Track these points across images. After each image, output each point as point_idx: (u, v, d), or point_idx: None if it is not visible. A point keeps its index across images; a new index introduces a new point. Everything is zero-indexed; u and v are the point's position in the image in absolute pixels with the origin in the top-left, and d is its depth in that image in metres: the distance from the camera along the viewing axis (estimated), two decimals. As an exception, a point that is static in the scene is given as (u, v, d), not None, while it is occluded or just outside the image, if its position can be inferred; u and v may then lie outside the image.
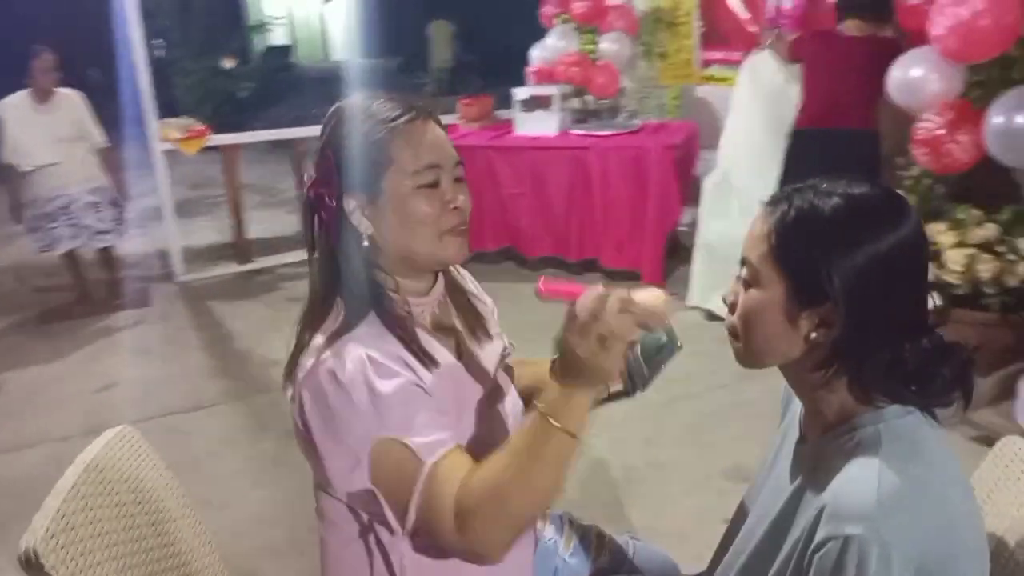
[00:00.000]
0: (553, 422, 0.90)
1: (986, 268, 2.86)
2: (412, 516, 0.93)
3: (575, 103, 4.94)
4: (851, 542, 0.84)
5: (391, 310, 1.02)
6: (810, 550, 0.89)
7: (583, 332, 0.88)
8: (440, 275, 1.13)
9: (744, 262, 0.96)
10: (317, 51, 17.46)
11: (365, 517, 1.05)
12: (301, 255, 5.34)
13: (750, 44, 4.56)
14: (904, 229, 0.89)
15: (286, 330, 1.06)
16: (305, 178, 1.07)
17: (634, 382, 1.08)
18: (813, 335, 0.92)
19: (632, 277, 4.22)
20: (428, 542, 0.98)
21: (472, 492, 0.90)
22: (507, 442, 0.95)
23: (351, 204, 1.03)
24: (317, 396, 0.97)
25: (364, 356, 0.96)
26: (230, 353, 3.83)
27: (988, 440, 2.53)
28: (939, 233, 2.98)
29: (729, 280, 1.00)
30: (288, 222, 5.91)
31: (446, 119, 1.11)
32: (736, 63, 4.72)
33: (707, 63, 5.00)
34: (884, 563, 0.83)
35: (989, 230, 2.90)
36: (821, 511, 0.88)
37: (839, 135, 3.20)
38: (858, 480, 0.87)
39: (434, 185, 1.02)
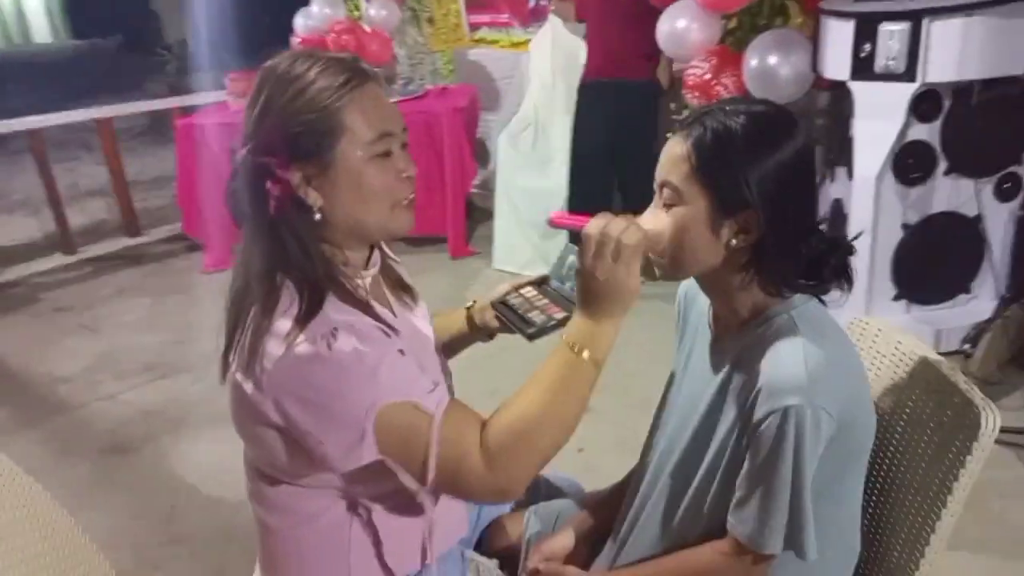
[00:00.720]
0: (584, 354, 0.95)
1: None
2: (432, 471, 0.92)
3: (350, 72, 4.82)
4: (789, 412, 0.96)
5: (347, 286, 0.99)
6: (748, 430, 1.01)
7: (597, 253, 0.95)
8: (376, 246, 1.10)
9: (664, 185, 1.04)
10: (12, 33, 15.23)
11: (353, 492, 1.01)
12: (57, 261, 4.95)
13: (518, 6, 4.76)
14: (800, 138, 1.01)
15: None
16: (238, 146, 0.98)
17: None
18: (733, 242, 1.02)
19: (439, 241, 4.27)
20: (451, 492, 0.98)
21: (502, 430, 0.93)
22: (533, 377, 0.97)
23: (297, 176, 0.96)
24: (300, 381, 0.91)
25: (346, 328, 0.92)
26: (4, 377, 3.34)
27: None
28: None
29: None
30: (28, 226, 5.22)
31: (206, 97, 1.04)
32: (503, 25, 4.90)
33: (475, 26, 5.12)
34: (815, 425, 0.96)
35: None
36: (757, 393, 0.99)
37: (621, 85, 3.45)
38: (787, 358, 0.99)
39: (387, 155, 0.99)
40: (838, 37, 2.58)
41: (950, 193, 2.55)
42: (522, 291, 1.24)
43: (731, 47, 3.09)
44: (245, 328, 0.95)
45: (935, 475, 1.09)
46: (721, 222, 1.01)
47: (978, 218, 2.59)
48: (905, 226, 2.59)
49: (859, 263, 1.06)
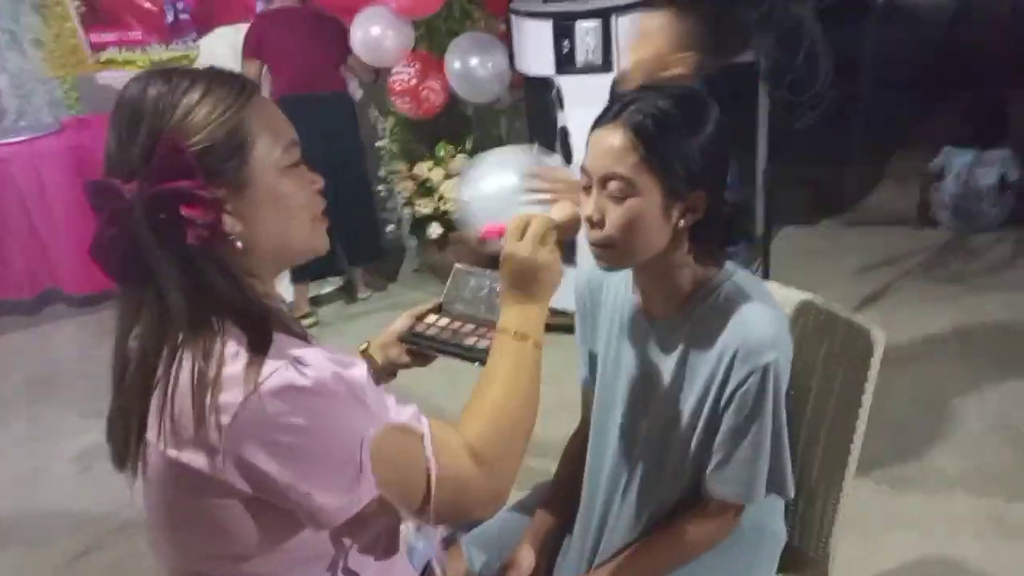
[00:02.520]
0: (527, 340, 0.96)
1: (471, 191, 3.40)
2: (435, 493, 0.85)
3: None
4: (769, 368, 1.05)
5: (283, 320, 0.86)
6: (727, 393, 1.08)
7: (519, 235, 0.98)
8: None
9: (610, 178, 1.04)
10: None
11: (342, 545, 0.89)
12: None
13: (151, 21, 4.27)
14: (716, 109, 1.09)
15: None
16: (112, 185, 0.78)
17: None
18: (681, 223, 1.07)
19: (109, 298, 3.69)
20: (453, 512, 0.91)
21: (482, 434, 0.90)
22: (485, 376, 0.95)
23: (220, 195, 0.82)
24: (274, 424, 0.76)
25: (317, 353, 0.80)
26: None
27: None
28: (428, 171, 3.40)
29: None
30: None
31: None
32: (137, 43, 4.36)
33: (98, 46, 4.47)
34: (784, 373, 1.07)
35: (461, 160, 3.43)
36: (733, 357, 1.07)
37: (315, 99, 3.31)
38: (754, 320, 1.08)
39: (297, 165, 0.88)
40: (537, 36, 2.79)
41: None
42: (427, 319, 1.18)
43: (433, 52, 3.16)
44: (168, 394, 0.78)
45: (841, 401, 1.27)
46: (672, 206, 1.06)
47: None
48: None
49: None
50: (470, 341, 1.12)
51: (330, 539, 0.87)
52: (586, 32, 2.68)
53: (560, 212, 1.06)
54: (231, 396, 0.76)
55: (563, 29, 2.71)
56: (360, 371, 0.82)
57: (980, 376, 2.60)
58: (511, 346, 0.96)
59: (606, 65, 2.70)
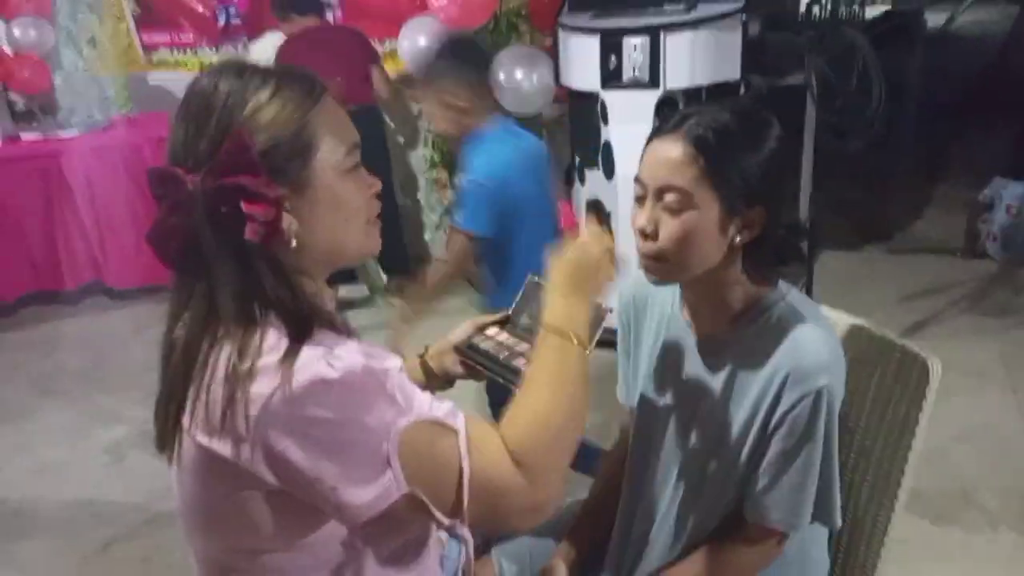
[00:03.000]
0: (572, 338, 0.92)
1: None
2: (467, 495, 0.82)
3: (-6, 105, 4.02)
4: (822, 392, 1.02)
5: (330, 318, 0.87)
6: (777, 415, 1.05)
7: (595, 240, 1.01)
8: None
9: (667, 190, 1.03)
10: None
11: (362, 550, 0.88)
12: None
13: (204, 24, 4.35)
14: (777, 126, 1.07)
15: None
16: (176, 177, 0.79)
17: None
18: (737, 239, 1.05)
19: (149, 292, 3.74)
20: (489, 517, 0.87)
21: (525, 437, 0.85)
22: (531, 377, 0.92)
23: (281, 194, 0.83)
24: (303, 415, 0.76)
25: (352, 347, 0.81)
26: None
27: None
28: (468, 180, 3.41)
29: None
30: None
31: None
32: (188, 46, 4.44)
33: (151, 47, 4.57)
34: (837, 399, 1.04)
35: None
36: (784, 380, 1.04)
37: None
38: (808, 343, 1.05)
39: (357, 168, 0.89)
40: (584, 51, 2.79)
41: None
42: (487, 332, 1.17)
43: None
44: (205, 382, 0.79)
45: (893, 429, 1.23)
46: (729, 221, 1.04)
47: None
48: (662, 217, 2.90)
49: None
50: (516, 362, 1.09)
51: (351, 543, 0.86)
52: (633, 48, 2.67)
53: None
54: (262, 387, 0.76)
55: (610, 44, 2.70)
56: (392, 364, 0.82)
57: (1027, 412, 2.53)
58: (556, 345, 0.93)
59: (653, 82, 2.69)
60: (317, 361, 0.77)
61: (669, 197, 1.03)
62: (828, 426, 1.05)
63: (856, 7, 2.65)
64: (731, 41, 2.73)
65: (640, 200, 1.08)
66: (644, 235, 1.06)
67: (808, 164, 3.36)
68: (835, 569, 1.28)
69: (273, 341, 0.79)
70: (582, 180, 3.12)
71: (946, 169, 4.62)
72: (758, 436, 1.09)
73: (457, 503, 0.82)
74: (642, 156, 1.08)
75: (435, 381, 1.17)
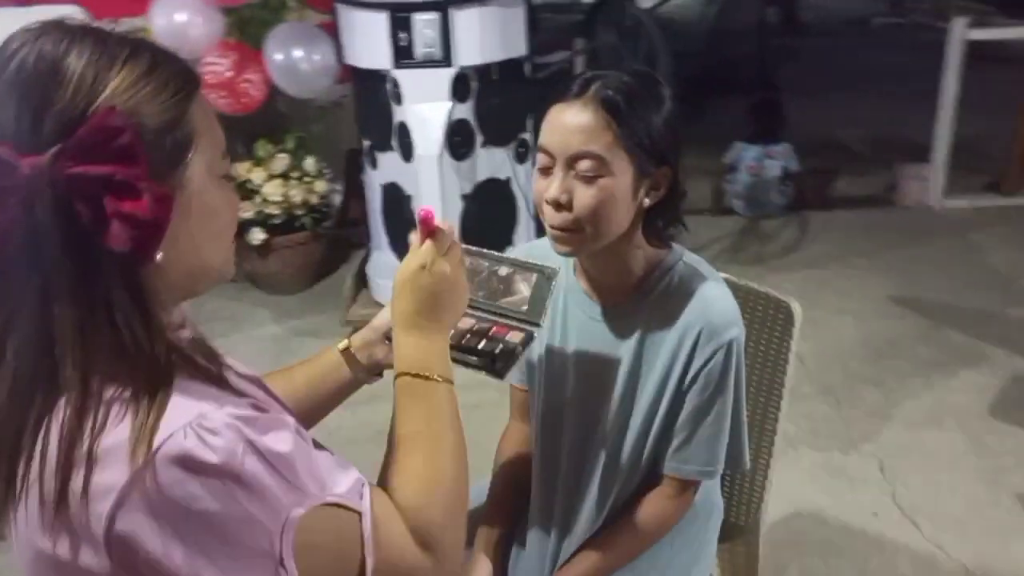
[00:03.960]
0: (435, 377, 0.83)
1: (297, 192, 3.18)
2: None
3: None
4: (733, 344, 1.08)
5: (190, 357, 0.69)
6: (692, 372, 1.09)
7: (430, 256, 0.86)
8: None
9: (582, 157, 1.00)
10: None
11: None
12: None
13: None
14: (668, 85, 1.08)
15: None
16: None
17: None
18: (646, 201, 1.06)
19: None
20: None
21: (419, 508, 0.76)
22: (399, 430, 0.81)
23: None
24: (170, 512, 0.62)
25: (226, 418, 0.64)
26: None
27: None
28: (248, 172, 3.13)
29: None
30: None
31: None
32: None
33: None
34: (742, 349, 1.10)
35: (282, 160, 3.20)
36: (697, 337, 1.07)
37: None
38: (714, 299, 1.09)
39: (229, 176, 0.76)
40: (371, 28, 2.67)
41: (488, 162, 2.93)
42: None
43: (246, 41, 2.91)
44: (34, 465, 0.63)
45: (765, 374, 1.33)
46: (640, 184, 1.04)
47: (508, 180, 3.03)
48: (463, 196, 2.89)
49: None
50: (472, 342, 1.00)
51: None
52: (425, 24, 2.61)
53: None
54: (113, 475, 0.61)
55: (400, 21, 2.61)
56: (283, 434, 0.67)
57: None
58: (424, 392, 0.82)
59: (446, 60, 2.65)
60: (185, 435, 0.62)
61: (584, 165, 1.01)
62: (737, 375, 1.10)
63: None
64: (516, 17, 2.77)
65: (546, 170, 1.04)
66: (558, 206, 1.03)
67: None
68: (728, 509, 1.36)
69: (117, 406, 0.62)
70: (374, 164, 3.01)
71: (689, 138, 5.11)
72: (673, 394, 1.11)
73: None
74: (543, 125, 1.05)
75: (363, 373, 1.04)
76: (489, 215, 2.98)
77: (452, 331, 0.94)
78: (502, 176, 2.99)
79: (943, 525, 2.04)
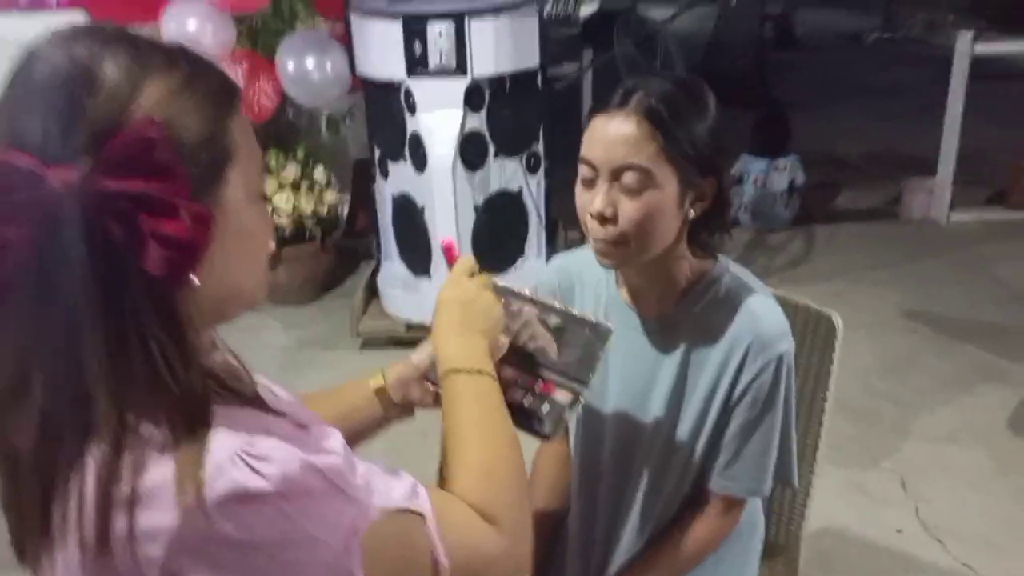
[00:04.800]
0: (478, 372, 0.83)
1: (307, 203, 3.15)
2: None
3: None
4: (783, 358, 1.05)
5: (225, 382, 0.66)
6: (740, 387, 1.06)
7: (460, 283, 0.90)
8: None
9: (626, 169, 0.97)
10: None
11: None
12: None
13: None
14: (710, 90, 1.05)
15: None
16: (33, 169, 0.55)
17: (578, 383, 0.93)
18: (691, 213, 1.03)
19: None
20: None
21: (480, 493, 0.74)
22: (451, 428, 0.80)
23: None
24: (228, 548, 0.58)
25: (272, 441, 0.61)
26: None
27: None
28: (257, 181, 3.10)
29: None
30: None
31: None
32: None
33: None
34: (792, 363, 1.07)
35: (292, 170, 3.18)
36: (746, 350, 1.05)
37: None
38: (764, 311, 1.06)
39: (265, 196, 0.74)
40: (384, 38, 2.65)
41: (500, 173, 2.90)
42: None
43: (258, 51, 2.89)
44: (68, 508, 0.58)
45: (807, 388, 1.30)
46: (685, 195, 1.01)
47: (520, 192, 3.00)
48: (475, 207, 2.86)
49: None
50: (515, 397, 0.92)
51: None
52: (439, 34, 2.59)
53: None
54: (161, 517, 0.56)
55: (414, 31, 2.60)
56: (335, 447, 0.66)
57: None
58: (469, 384, 0.82)
59: (460, 69, 2.63)
60: (234, 467, 0.58)
61: (628, 177, 0.98)
62: (787, 390, 1.07)
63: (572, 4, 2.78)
64: (530, 28, 2.75)
65: (589, 183, 1.01)
66: (602, 219, 1.00)
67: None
68: (768, 527, 1.33)
69: (156, 444, 0.58)
70: (385, 174, 2.98)
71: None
72: (720, 409, 1.08)
73: None
74: (585, 136, 1.02)
75: (394, 413, 1.00)
76: (501, 226, 2.95)
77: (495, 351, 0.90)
78: (514, 188, 2.97)
79: (969, 543, 2.01)
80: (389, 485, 0.68)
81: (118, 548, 0.56)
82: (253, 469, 0.58)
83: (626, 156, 0.97)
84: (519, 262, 3.11)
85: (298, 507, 0.60)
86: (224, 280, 0.65)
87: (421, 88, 2.68)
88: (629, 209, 0.98)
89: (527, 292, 0.98)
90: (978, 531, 2.05)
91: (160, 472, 0.57)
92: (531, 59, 2.80)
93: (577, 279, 1.21)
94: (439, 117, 2.69)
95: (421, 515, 0.68)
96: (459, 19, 2.58)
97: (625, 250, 1.01)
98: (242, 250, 0.66)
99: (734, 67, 5.90)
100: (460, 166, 2.76)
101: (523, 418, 0.89)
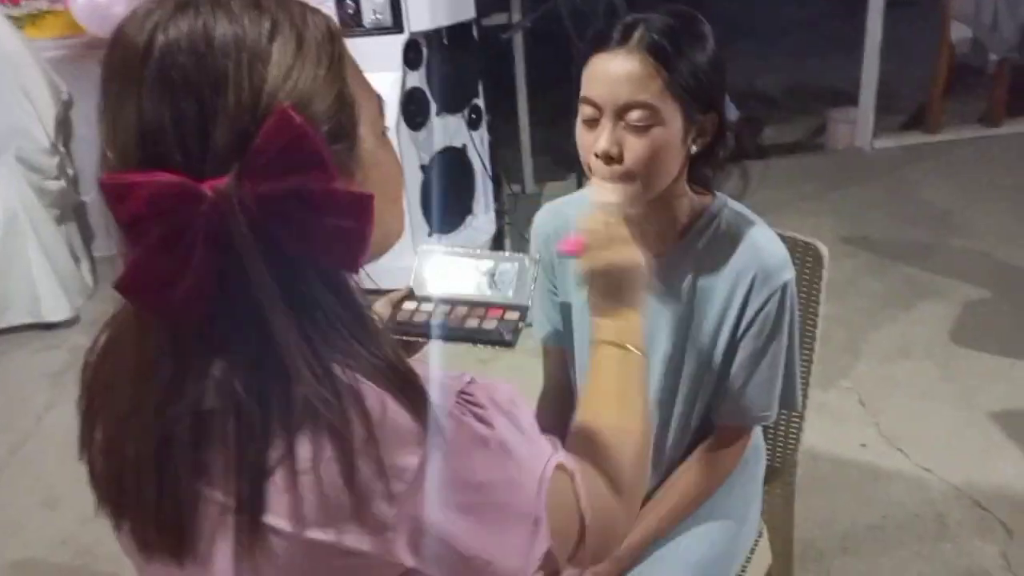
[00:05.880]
0: (632, 348, 0.85)
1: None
2: (588, 536, 0.72)
3: None
4: (787, 286, 1.08)
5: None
6: (747, 318, 1.08)
7: (606, 243, 0.88)
8: None
9: (633, 107, 0.96)
10: None
11: None
12: None
13: None
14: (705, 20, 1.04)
15: None
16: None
17: None
18: (693, 148, 1.04)
19: None
20: (601, 553, 0.77)
21: (613, 464, 0.77)
22: (595, 393, 0.83)
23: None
24: (464, 483, 0.61)
25: (479, 389, 0.65)
26: None
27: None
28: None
29: None
30: None
31: None
32: None
33: None
34: (795, 290, 1.10)
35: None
36: (752, 281, 1.07)
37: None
38: (766, 242, 1.08)
39: (386, 129, 0.68)
40: (313, -4, 2.54)
41: (443, 130, 2.85)
42: (406, 306, 1.03)
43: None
44: (298, 469, 0.58)
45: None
46: (688, 131, 1.02)
47: (464, 148, 2.96)
48: (422, 167, 2.81)
49: None
50: (473, 323, 0.99)
51: None
52: (372, -10, 2.50)
53: (611, 196, 0.96)
54: (403, 457, 0.58)
55: (346, -13, 2.51)
56: (514, 391, 0.69)
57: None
58: (620, 358, 0.84)
59: (397, 26, 2.56)
60: (463, 412, 0.62)
61: (634, 115, 0.97)
62: (792, 317, 1.10)
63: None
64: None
65: (592, 122, 1.00)
66: (608, 158, 0.99)
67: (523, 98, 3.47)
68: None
69: (375, 397, 0.58)
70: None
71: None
72: (728, 341, 1.10)
73: (576, 548, 0.73)
74: (584, 76, 1.01)
75: None
76: (447, 184, 2.92)
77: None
78: (458, 144, 2.93)
79: (927, 450, 2.13)
80: (543, 438, 0.71)
81: (366, 487, 0.56)
82: (476, 416, 0.62)
83: (631, 93, 0.97)
84: (468, 220, 3.08)
85: (504, 452, 0.63)
86: (375, 231, 0.61)
87: (357, 47, 2.57)
88: (636, 146, 0.98)
89: (457, 249, 1.07)
90: (934, 437, 2.18)
91: (395, 419, 0.58)
92: (466, 11, 2.75)
93: (573, 222, 1.20)
94: (377, 77, 2.61)
95: (572, 474, 0.71)
96: (391, -28, 2.50)
97: (631, 188, 1.01)
98: (383, 195, 0.62)
99: (648, 4, 5.91)
100: (403, 126, 2.70)
101: (485, 335, 0.97)
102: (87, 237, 3.37)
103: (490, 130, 3.02)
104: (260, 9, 0.57)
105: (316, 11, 0.61)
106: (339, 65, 0.59)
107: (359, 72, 0.63)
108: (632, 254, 0.88)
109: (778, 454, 1.39)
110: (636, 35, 0.97)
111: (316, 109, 0.56)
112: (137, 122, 0.54)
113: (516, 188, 3.67)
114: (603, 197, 0.95)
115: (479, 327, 0.98)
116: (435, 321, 0.99)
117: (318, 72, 0.57)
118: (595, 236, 0.88)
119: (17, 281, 2.97)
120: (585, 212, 1.07)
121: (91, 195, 3.13)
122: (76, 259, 3.23)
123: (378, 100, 0.66)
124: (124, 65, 0.55)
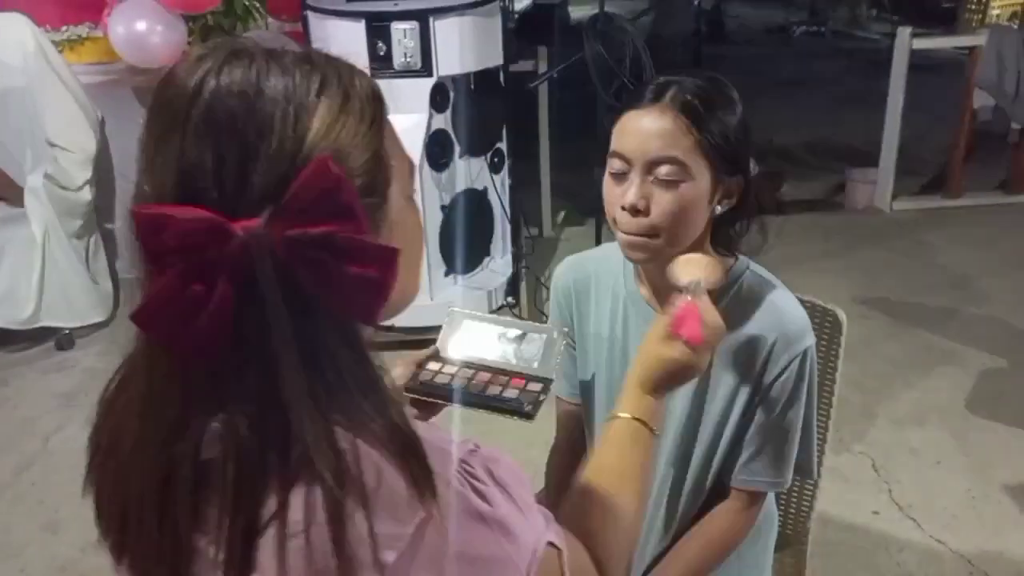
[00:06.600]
0: (651, 428, 0.88)
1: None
2: None
3: None
4: (807, 353, 1.07)
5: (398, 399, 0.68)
6: (766, 383, 1.08)
7: (716, 343, 0.92)
8: None
9: (662, 163, 0.98)
10: None
11: None
12: None
13: None
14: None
15: None
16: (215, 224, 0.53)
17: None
18: (718, 209, 1.05)
19: None
20: None
21: (607, 542, 0.78)
22: (606, 465, 0.84)
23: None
24: (453, 557, 0.60)
25: (479, 460, 0.65)
26: None
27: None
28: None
29: None
30: None
31: None
32: None
33: None
34: (815, 356, 1.10)
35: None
36: (772, 347, 1.06)
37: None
38: (786, 307, 1.08)
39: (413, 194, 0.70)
40: (346, 37, 2.59)
41: (465, 172, 2.88)
42: (429, 367, 1.03)
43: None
44: (286, 533, 0.57)
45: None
46: (715, 191, 1.03)
47: (485, 190, 2.99)
48: (442, 207, 2.83)
49: None
50: (494, 390, 0.99)
51: None
52: (403, 34, 2.55)
53: (698, 272, 0.96)
54: (396, 526, 0.57)
55: (378, 30, 2.55)
56: (523, 474, 0.68)
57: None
58: (637, 436, 0.87)
59: (426, 70, 2.60)
60: (461, 484, 0.61)
61: (664, 170, 0.99)
62: (811, 384, 1.10)
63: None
64: (493, 26, 2.74)
65: (620, 176, 1.02)
66: (635, 211, 1.01)
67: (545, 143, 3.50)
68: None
69: (372, 459, 0.58)
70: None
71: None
72: (744, 406, 1.10)
73: None
74: (615, 131, 1.03)
75: None
76: (467, 225, 2.94)
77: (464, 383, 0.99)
78: (479, 186, 2.96)
79: (939, 520, 2.10)
80: (540, 513, 0.70)
81: (354, 557, 0.55)
82: (474, 488, 0.62)
83: (662, 149, 0.98)
84: (485, 261, 3.10)
85: (501, 527, 0.62)
86: (398, 288, 0.62)
87: (385, 88, 2.63)
88: (663, 201, 0.99)
89: (487, 315, 1.09)
90: (946, 508, 2.14)
91: (390, 483, 0.57)
92: (495, 57, 2.79)
93: (593, 277, 1.21)
94: (403, 118, 2.66)
95: (560, 551, 0.69)
96: (423, 18, 2.55)
97: (655, 243, 1.02)
98: (405, 254, 0.62)
99: (673, 62, 6.00)
100: (426, 166, 2.73)
101: (505, 403, 0.97)
102: (111, 258, 3.40)
103: (511, 174, 3.05)
104: (311, 64, 0.59)
105: (363, 73, 0.63)
106: (379, 126, 0.61)
107: (395, 135, 0.65)
108: (709, 358, 0.92)
109: (790, 521, 1.37)
110: (669, 94, 1.00)
111: (353, 163, 0.58)
112: (178, 158, 0.56)
113: (534, 231, 3.69)
114: (690, 276, 0.95)
115: (500, 395, 0.98)
116: (456, 384, 0.99)
117: (359, 129, 0.59)
118: (715, 334, 0.91)
119: (35, 300, 2.99)
120: (613, 269, 1.09)
121: (117, 223, 3.16)
122: (95, 281, 3.26)
123: (410, 164, 0.67)
124: (172, 104, 0.57)
